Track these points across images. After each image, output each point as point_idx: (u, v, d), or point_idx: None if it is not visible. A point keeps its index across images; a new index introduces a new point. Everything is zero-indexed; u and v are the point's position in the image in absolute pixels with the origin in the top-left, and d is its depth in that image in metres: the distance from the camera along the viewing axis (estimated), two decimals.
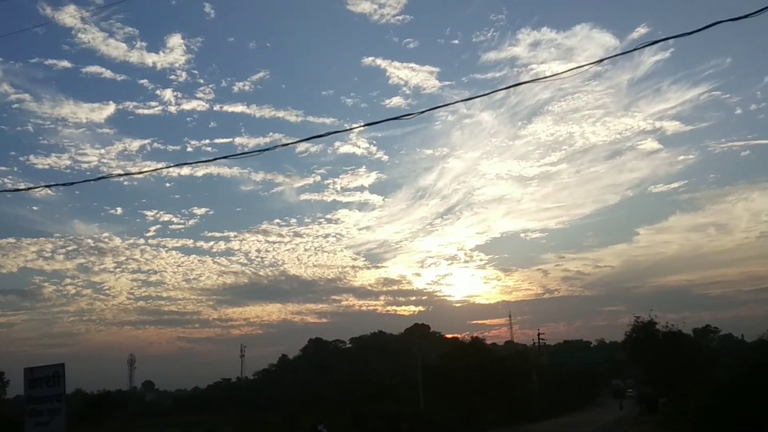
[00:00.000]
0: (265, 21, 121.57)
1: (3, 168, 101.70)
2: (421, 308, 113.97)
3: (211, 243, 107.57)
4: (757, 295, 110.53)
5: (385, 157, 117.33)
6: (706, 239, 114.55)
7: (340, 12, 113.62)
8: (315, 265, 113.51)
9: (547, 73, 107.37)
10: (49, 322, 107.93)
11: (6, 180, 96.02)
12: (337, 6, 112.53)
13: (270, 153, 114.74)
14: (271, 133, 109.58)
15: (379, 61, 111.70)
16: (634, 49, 8.41)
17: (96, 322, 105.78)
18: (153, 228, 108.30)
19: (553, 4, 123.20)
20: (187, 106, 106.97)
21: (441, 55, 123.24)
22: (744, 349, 43.26)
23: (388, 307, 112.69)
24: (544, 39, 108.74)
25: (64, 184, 13.31)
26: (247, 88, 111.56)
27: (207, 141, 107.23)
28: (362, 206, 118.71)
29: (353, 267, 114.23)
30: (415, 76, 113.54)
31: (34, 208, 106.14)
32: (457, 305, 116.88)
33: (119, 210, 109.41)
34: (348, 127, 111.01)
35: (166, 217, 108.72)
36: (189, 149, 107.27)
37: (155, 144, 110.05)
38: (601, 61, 9.45)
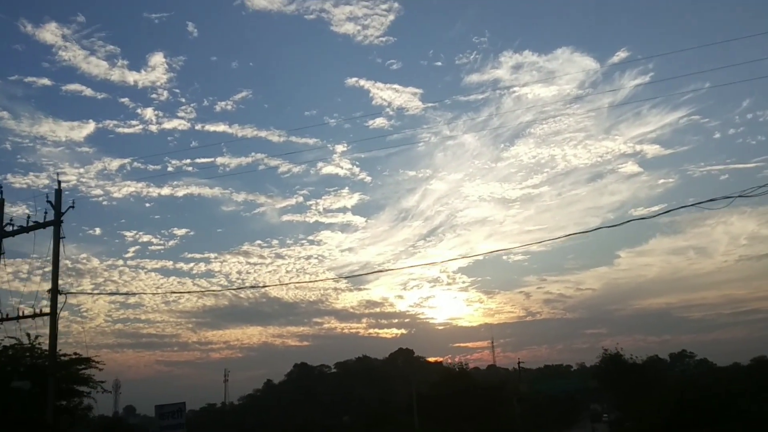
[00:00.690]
0: (249, 40, 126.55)
1: None
2: (403, 331, 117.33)
3: (191, 264, 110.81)
4: (736, 318, 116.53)
5: (368, 179, 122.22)
6: (686, 262, 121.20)
7: (324, 32, 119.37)
8: (297, 287, 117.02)
9: (529, 96, 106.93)
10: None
11: None
12: (320, 27, 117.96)
13: (252, 173, 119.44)
14: (253, 153, 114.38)
15: (362, 82, 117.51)
16: None
17: (73, 345, 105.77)
18: (132, 249, 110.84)
19: (534, 27, 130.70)
20: (168, 125, 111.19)
21: (424, 76, 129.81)
22: (710, 375, 48.66)
23: (371, 330, 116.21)
24: (526, 62, 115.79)
25: None
26: (229, 107, 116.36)
27: (188, 160, 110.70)
28: (345, 227, 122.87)
29: (335, 289, 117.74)
30: (398, 97, 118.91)
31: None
32: (440, 328, 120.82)
33: (98, 230, 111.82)
34: (331, 148, 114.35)
35: (146, 238, 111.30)
36: (170, 168, 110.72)
37: (135, 163, 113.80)
38: None
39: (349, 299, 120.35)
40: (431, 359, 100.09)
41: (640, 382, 35.44)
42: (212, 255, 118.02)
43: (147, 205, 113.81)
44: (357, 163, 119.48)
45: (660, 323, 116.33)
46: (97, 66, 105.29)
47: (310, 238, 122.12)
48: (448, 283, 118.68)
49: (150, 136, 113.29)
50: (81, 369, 18.18)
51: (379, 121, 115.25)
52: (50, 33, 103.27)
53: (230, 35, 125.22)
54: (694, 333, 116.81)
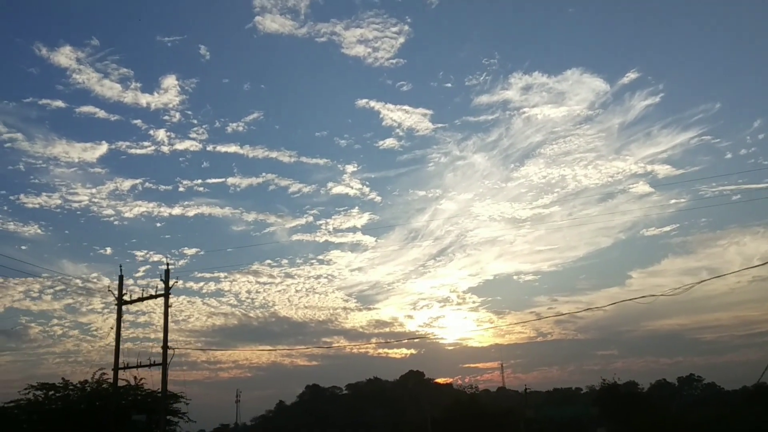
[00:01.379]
0: (260, 63, 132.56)
1: None
2: (413, 351, 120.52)
3: (201, 283, 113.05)
4: (749, 340, 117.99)
5: (378, 198, 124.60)
6: (698, 283, 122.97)
7: (335, 55, 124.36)
8: (306, 307, 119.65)
9: (539, 117, 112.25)
10: (34, 363, 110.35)
11: None
12: (331, 49, 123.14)
13: (262, 192, 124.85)
14: (264, 173, 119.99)
15: (372, 103, 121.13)
16: None
17: (82, 363, 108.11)
18: (142, 268, 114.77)
19: (544, 49, 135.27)
20: (180, 146, 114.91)
21: (434, 97, 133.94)
22: (719, 398, 52.24)
23: (380, 350, 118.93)
24: (536, 83, 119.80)
25: None
26: (240, 128, 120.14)
27: (199, 180, 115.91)
28: (354, 247, 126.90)
29: (345, 309, 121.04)
30: (408, 118, 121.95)
31: (23, 247, 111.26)
32: (450, 348, 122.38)
33: (108, 250, 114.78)
34: (341, 168, 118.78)
35: (156, 257, 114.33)
36: (181, 188, 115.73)
37: (147, 184, 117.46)
38: None
39: (358, 319, 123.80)
40: (441, 380, 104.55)
41: (640, 409, 40.44)
42: (222, 274, 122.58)
43: (158, 224, 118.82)
44: (367, 183, 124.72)
45: (672, 345, 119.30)
46: (110, 88, 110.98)
47: (320, 257, 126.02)
48: (458, 303, 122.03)
49: (162, 157, 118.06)
50: (172, 404, 23.82)
51: (389, 142, 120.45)
52: (65, 56, 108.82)
53: (242, 58, 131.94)
54: (706, 355, 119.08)
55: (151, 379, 21.39)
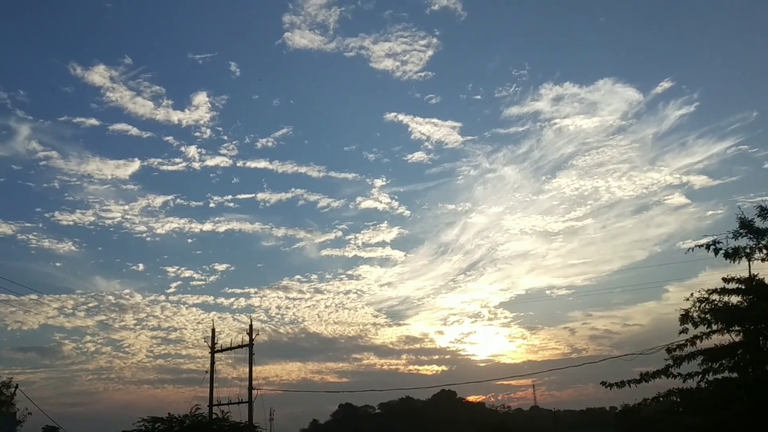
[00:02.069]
0: (290, 78, 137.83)
1: (28, 224, 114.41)
2: (444, 368, 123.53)
3: (232, 299, 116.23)
4: None
5: (407, 212, 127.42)
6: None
7: (363, 69, 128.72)
8: (336, 323, 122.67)
9: (571, 128, 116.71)
10: (68, 380, 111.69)
11: (31, 236, 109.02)
12: (359, 63, 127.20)
13: (292, 208, 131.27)
14: (293, 189, 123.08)
15: (401, 117, 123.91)
16: None
17: (114, 380, 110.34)
18: (174, 284, 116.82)
19: (575, 59, 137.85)
20: (210, 162, 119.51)
21: (463, 110, 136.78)
22: None
23: (411, 367, 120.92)
24: (567, 93, 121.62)
25: None
26: (270, 144, 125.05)
27: (229, 196, 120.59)
28: (384, 262, 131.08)
29: (374, 324, 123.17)
30: (437, 131, 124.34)
31: (57, 264, 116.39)
32: (482, 365, 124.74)
33: (141, 266, 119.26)
34: (370, 182, 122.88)
35: (188, 273, 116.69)
36: (212, 204, 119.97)
37: (178, 200, 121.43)
38: None
39: (388, 335, 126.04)
40: (473, 398, 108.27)
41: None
42: (252, 290, 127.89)
43: (189, 240, 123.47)
44: (396, 197, 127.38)
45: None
46: (143, 106, 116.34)
47: (349, 272, 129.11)
48: (490, 319, 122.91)
49: (193, 173, 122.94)
50: None
51: (418, 155, 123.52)
52: (98, 75, 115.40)
53: (272, 74, 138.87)
54: None
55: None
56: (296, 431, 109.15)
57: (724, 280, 16.46)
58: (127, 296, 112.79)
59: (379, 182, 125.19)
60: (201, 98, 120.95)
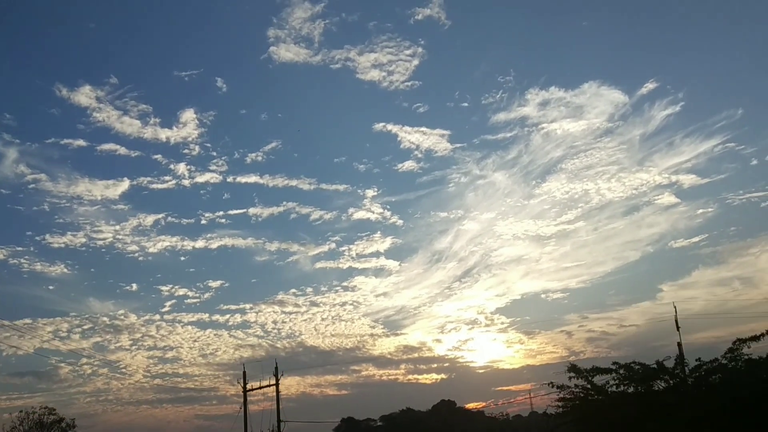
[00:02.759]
0: (276, 92, 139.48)
1: (19, 248, 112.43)
2: (443, 376, 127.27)
3: (227, 316, 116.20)
4: None
5: (400, 222, 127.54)
6: (731, 293, 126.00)
7: (350, 80, 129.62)
8: (333, 335, 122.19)
9: (558, 132, 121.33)
10: (65, 403, 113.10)
11: (22, 260, 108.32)
12: (346, 75, 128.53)
13: (284, 221, 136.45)
14: (284, 202, 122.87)
15: (390, 126, 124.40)
16: None
17: (113, 402, 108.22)
18: (168, 303, 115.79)
19: (559, 63, 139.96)
20: (200, 178, 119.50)
21: (451, 117, 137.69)
22: None
23: (410, 376, 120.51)
24: (553, 98, 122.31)
25: None
26: (259, 158, 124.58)
27: (221, 212, 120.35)
28: (378, 272, 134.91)
29: (372, 335, 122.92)
30: (426, 139, 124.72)
31: (50, 287, 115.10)
32: (480, 371, 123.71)
33: (134, 286, 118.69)
34: (361, 193, 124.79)
35: (182, 291, 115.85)
36: (203, 221, 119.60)
37: (169, 218, 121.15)
38: None
39: (386, 345, 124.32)
40: (473, 404, 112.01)
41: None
42: (248, 305, 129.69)
43: (182, 258, 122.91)
44: (388, 206, 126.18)
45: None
46: (130, 125, 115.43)
47: (345, 284, 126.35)
48: (487, 325, 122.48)
49: (183, 190, 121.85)
50: None
51: (408, 164, 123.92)
52: (84, 96, 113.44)
53: (258, 88, 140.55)
54: None
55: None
56: None
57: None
58: (122, 317, 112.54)
59: (370, 193, 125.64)
60: (188, 115, 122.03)
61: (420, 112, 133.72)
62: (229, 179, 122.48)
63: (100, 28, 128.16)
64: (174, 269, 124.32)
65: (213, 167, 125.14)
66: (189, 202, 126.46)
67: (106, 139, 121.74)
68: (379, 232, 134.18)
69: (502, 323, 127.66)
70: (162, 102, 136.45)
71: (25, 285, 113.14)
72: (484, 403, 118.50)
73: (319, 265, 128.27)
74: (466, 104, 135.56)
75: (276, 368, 33.34)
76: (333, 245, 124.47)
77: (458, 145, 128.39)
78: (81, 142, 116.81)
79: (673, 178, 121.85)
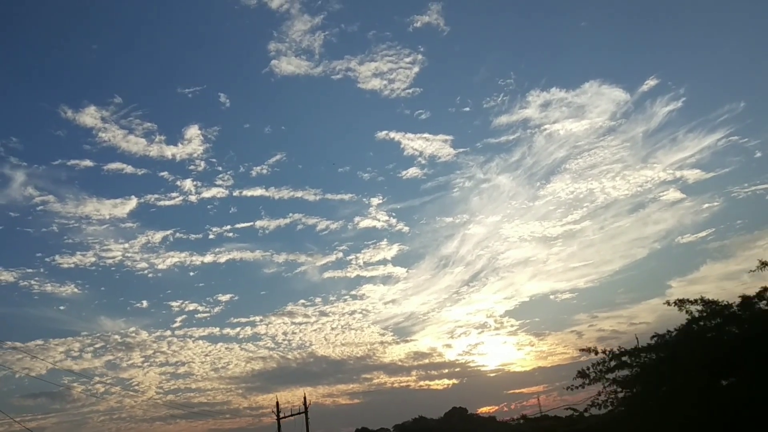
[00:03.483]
0: (279, 105, 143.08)
1: (30, 270, 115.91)
2: (454, 381, 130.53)
3: (238, 329, 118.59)
4: None
5: (406, 228, 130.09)
6: (741, 287, 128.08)
7: (351, 90, 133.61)
8: (343, 344, 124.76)
9: (561, 132, 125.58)
10: (79, 423, 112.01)
11: (33, 282, 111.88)
12: (347, 85, 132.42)
13: (291, 233, 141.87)
14: (290, 214, 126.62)
15: (392, 134, 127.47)
16: None
17: (126, 420, 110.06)
18: (179, 318, 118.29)
19: (559, 64, 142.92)
20: (207, 194, 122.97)
21: (453, 123, 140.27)
22: None
23: (421, 382, 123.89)
24: (554, 99, 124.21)
25: None
26: (264, 171, 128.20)
27: (228, 226, 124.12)
28: (386, 279, 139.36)
29: (382, 343, 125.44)
30: (429, 145, 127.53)
31: (61, 307, 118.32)
32: (492, 375, 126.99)
33: (144, 303, 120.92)
34: (366, 202, 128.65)
35: (192, 306, 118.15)
36: (211, 236, 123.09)
37: (177, 234, 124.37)
38: None
39: (396, 352, 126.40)
40: (485, 409, 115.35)
41: None
42: (257, 318, 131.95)
43: (191, 273, 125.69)
44: (393, 214, 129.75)
45: None
46: (135, 144, 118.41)
47: (353, 293, 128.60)
48: (496, 328, 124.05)
49: (190, 206, 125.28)
50: None
51: (412, 171, 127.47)
52: (90, 116, 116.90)
53: (261, 102, 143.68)
54: None
55: None
56: None
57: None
58: (133, 334, 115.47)
59: (375, 201, 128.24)
60: (193, 131, 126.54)
61: (422, 119, 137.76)
62: (236, 193, 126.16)
63: (102, 49, 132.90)
64: (183, 284, 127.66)
65: (219, 182, 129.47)
66: (196, 217, 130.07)
67: (112, 159, 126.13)
68: (385, 240, 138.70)
69: (512, 326, 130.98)
70: (166, 119, 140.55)
71: (36, 306, 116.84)
72: (496, 407, 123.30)
73: (327, 274, 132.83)
74: (467, 109, 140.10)
75: (305, 399, 38.50)
76: (340, 254, 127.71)
77: (461, 149, 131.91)
78: (88, 163, 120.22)
79: (678, 173, 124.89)
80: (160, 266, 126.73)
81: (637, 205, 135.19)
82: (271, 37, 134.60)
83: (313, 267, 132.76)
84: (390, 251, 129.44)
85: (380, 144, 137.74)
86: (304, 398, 37.84)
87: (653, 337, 21.89)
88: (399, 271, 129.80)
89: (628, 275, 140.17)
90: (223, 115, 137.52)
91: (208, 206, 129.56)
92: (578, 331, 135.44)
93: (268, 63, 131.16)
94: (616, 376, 21.23)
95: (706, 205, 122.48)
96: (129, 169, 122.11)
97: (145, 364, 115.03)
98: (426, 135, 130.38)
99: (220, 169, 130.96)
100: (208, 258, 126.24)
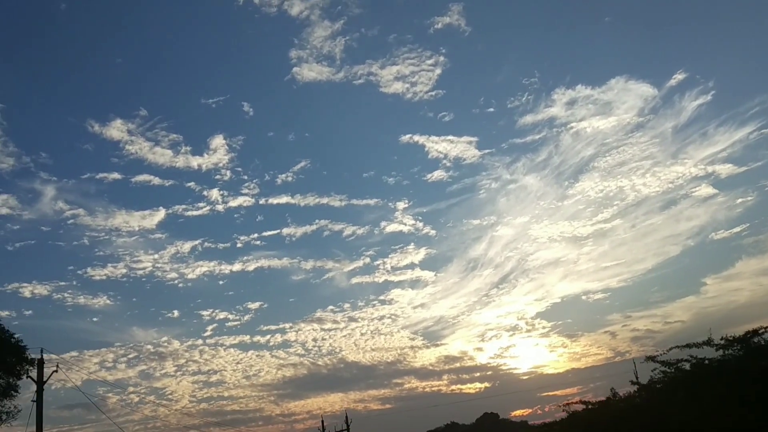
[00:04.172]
0: (302, 112, 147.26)
1: (63, 283, 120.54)
2: (486, 384, 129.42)
3: (268, 336, 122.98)
4: None
5: (433, 232, 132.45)
6: None
7: (374, 95, 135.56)
8: (373, 349, 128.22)
9: (588, 130, 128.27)
10: None
11: (66, 294, 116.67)
12: (370, 89, 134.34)
13: (317, 239, 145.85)
14: (317, 220, 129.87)
15: (416, 137, 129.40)
16: None
17: (161, 429, 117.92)
18: (210, 327, 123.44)
19: (584, 61, 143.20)
20: (233, 203, 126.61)
21: (477, 124, 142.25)
22: None
23: (453, 387, 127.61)
24: (580, 96, 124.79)
25: None
26: (290, 178, 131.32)
27: (255, 235, 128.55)
28: (414, 284, 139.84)
29: (412, 347, 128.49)
30: (454, 147, 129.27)
31: (95, 319, 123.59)
32: (524, 378, 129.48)
33: (176, 313, 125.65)
34: (392, 206, 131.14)
35: (222, 315, 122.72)
36: (239, 244, 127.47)
37: (206, 243, 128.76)
38: None
39: (427, 356, 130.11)
40: (519, 411, 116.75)
41: None
42: (287, 325, 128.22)
43: (220, 282, 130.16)
44: (420, 218, 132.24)
45: None
46: (162, 155, 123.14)
47: (381, 298, 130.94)
48: (528, 330, 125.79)
49: (217, 215, 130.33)
50: None
51: (437, 174, 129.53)
52: (116, 130, 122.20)
53: (284, 109, 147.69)
54: None
55: None
56: None
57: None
58: (165, 344, 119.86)
59: (401, 205, 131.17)
60: (218, 141, 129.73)
61: (446, 121, 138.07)
62: (262, 201, 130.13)
63: (127, 63, 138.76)
64: (213, 293, 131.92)
65: (245, 191, 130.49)
66: (224, 226, 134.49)
67: (139, 171, 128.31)
68: (412, 244, 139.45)
69: (544, 327, 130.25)
70: (191, 130, 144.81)
71: (69, 319, 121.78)
72: (530, 410, 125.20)
73: (354, 280, 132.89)
74: (491, 109, 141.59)
75: (346, 417, 43.31)
76: (367, 260, 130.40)
77: (487, 151, 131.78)
78: (116, 175, 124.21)
79: (710, 168, 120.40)
80: (190, 276, 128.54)
81: (669, 201, 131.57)
82: (292, 44, 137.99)
83: (341, 273, 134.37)
84: (417, 255, 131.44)
85: (404, 148, 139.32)
86: (346, 417, 42.45)
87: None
88: (427, 274, 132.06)
89: (661, 273, 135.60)
90: (247, 124, 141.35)
91: (235, 215, 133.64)
92: (612, 331, 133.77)
93: (290, 70, 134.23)
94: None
95: (740, 199, 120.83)
96: (156, 180, 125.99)
97: (178, 373, 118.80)
98: (450, 137, 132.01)
99: (245, 177, 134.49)
100: (237, 266, 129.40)
